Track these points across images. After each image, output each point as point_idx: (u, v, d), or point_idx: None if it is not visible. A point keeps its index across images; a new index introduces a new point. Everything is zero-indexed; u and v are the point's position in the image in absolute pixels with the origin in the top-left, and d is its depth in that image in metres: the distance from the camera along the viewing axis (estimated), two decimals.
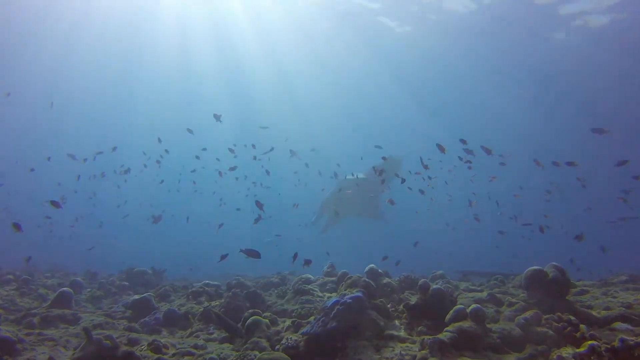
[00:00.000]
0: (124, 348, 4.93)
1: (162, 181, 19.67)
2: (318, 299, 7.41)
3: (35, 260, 13.72)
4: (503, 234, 16.04)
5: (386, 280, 7.63)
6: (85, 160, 16.44)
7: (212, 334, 6.83)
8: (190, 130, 13.83)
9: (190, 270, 17.35)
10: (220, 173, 16.68)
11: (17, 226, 7.73)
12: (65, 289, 8.32)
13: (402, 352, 4.62)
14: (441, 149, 10.38)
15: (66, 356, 5.90)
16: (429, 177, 14.19)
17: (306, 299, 7.25)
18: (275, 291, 8.51)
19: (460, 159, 12.79)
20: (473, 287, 8.76)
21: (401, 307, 5.80)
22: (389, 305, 5.86)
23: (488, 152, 14.92)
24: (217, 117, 12.64)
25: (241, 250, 6.64)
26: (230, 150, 17.23)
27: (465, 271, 11.74)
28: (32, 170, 17.03)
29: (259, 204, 10.91)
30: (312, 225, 24.08)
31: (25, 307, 8.58)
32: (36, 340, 6.57)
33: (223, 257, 7.78)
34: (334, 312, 5.23)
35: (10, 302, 8.69)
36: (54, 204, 8.38)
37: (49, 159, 17.52)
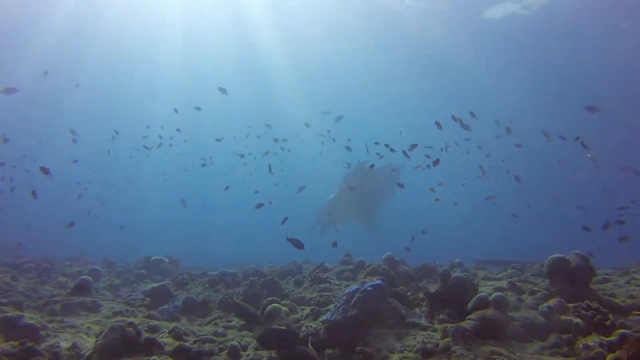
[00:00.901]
0: (145, 335, 4.97)
1: (205, 164, 19.78)
2: (336, 287, 7.40)
3: (60, 243, 14.06)
4: (516, 217, 15.96)
5: (404, 268, 7.59)
6: (114, 137, 17.08)
7: (231, 321, 6.86)
8: (223, 90, 13.32)
9: (204, 258, 17.52)
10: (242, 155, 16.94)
11: (44, 170, 7.67)
12: (85, 276, 8.42)
13: (425, 340, 4.58)
14: (459, 122, 10.21)
15: (88, 343, 5.97)
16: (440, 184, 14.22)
17: (324, 287, 7.23)
18: (292, 279, 8.52)
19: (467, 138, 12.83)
20: (491, 276, 8.67)
21: (421, 295, 5.75)
22: (409, 294, 5.81)
23: (508, 131, 14.87)
24: (223, 90, 12.68)
25: (287, 239, 6.61)
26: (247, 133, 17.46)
27: (482, 260, 11.63)
28: (75, 161, 17.43)
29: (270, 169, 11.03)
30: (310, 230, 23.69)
31: (46, 294, 8.71)
32: (58, 327, 6.67)
33: (284, 220, 7.85)
34: (354, 299, 5.20)
35: (32, 289, 8.82)
36: (43, 170, 8.29)
37: (74, 141, 17.94)
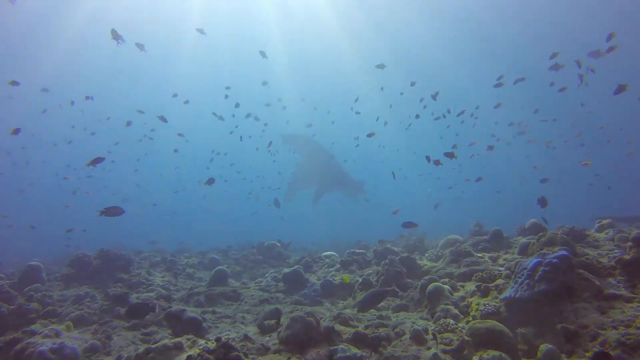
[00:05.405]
0: (323, 324, 4.85)
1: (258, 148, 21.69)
2: (481, 260, 6.94)
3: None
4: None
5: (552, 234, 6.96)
6: None
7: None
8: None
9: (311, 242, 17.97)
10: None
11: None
12: (220, 267, 8.60)
13: None
14: None
15: (247, 332, 6.02)
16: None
17: (470, 260, 6.80)
18: (426, 255, 8.15)
19: None
20: None
21: (612, 262, 5.16)
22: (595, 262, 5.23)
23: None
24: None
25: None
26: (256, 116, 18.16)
27: (614, 217, 10.56)
28: (139, 160, 18.53)
29: None
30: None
31: (182, 286, 9.03)
32: (214, 318, 6.81)
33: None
34: (539, 273, 4.74)
35: (169, 282, 9.18)
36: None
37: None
